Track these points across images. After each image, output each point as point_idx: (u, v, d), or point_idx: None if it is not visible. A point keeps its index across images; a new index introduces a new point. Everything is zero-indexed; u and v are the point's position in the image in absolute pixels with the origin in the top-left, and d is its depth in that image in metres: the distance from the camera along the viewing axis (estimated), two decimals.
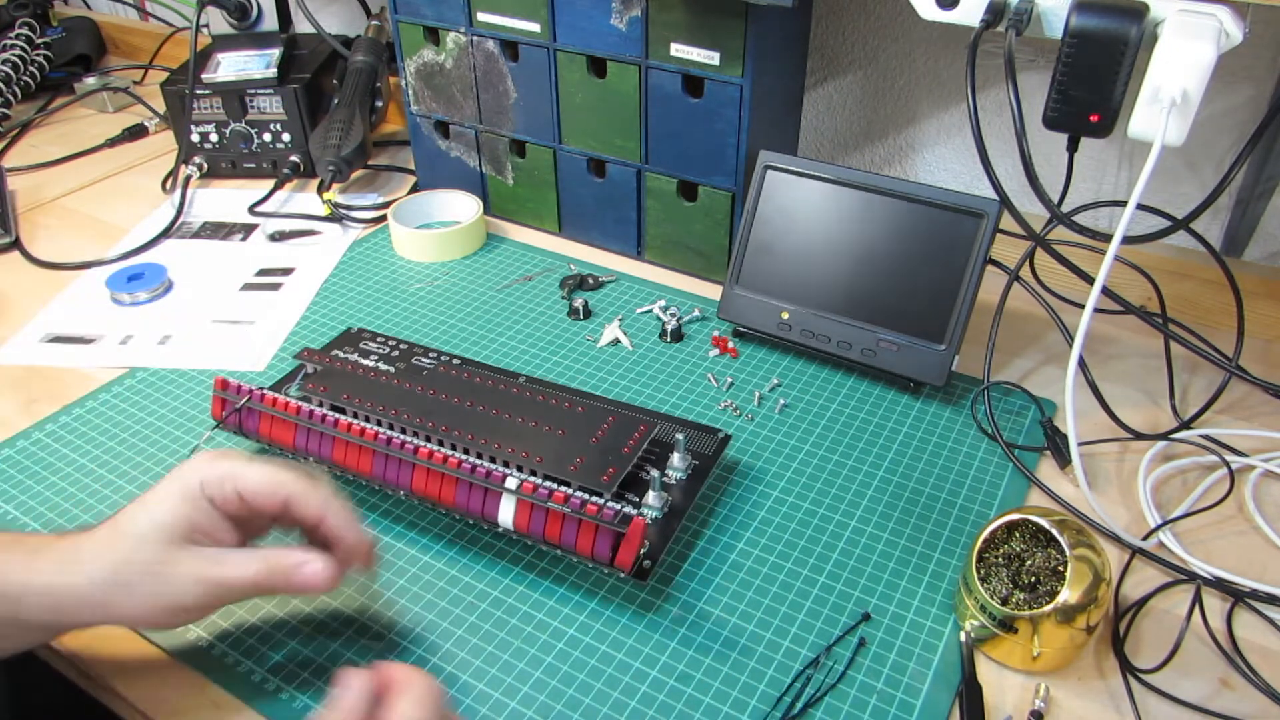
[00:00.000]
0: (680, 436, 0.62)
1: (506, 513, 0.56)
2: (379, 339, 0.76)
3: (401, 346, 0.75)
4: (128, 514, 0.48)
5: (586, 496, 0.54)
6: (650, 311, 0.85)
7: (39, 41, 1.30)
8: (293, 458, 0.64)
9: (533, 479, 0.56)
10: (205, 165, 1.07)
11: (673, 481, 0.61)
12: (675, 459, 0.62)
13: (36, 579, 0.46)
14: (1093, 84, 0.60)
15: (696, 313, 0.84)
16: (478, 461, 0.57)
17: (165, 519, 0.46)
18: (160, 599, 0.46)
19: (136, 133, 1.20)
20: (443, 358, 0.73)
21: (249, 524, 0.51)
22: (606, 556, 0.53)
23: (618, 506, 0.54)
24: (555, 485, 0.55)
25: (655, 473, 0.59)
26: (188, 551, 0.46)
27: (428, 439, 0.61)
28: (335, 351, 0.74)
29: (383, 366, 0.71)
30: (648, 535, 0.56)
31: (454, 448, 0.60)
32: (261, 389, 0.64)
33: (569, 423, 0.63)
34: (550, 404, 0.65)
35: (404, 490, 0.59)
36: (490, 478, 0.56)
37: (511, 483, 0.55)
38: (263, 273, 0.91)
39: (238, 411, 0.64)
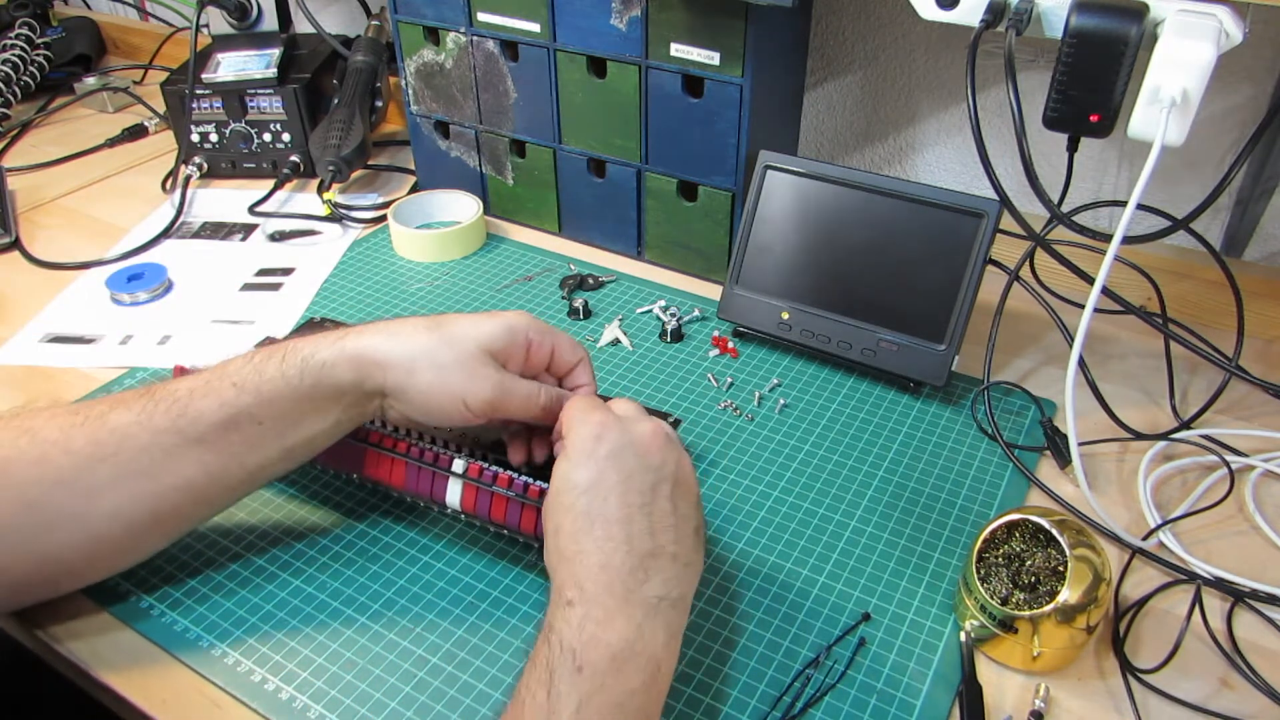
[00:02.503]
0: None
1: (454, 494, 0.57)
2: (341, 328, 0.76)
3: None
4: (451, 319, 0.54)
5: (531, 480, 0.55)
6: (650, 311, 0.85)
7: (39, 41, 1.29)
8: None
9: (481, 462, 0.57)
10: (205, 165, 1.07)
11: None
12: None
13: (351, 344, 0.52)
14: (1093, 84, 0.60)
15: (696, 313, 0.84)
16: (426, 445, 0.58)
17: (487, 335, 0.53)
18: (456, 384, 0.52)
19: (136, 133, 1.20)
20: None
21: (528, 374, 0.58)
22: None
23: (543, 484, 0.54)
24: (502, 469, 0.56)
25: None
26: (494, 363, 0.53)
27: (374, 423, 0.61)
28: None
29: None
30: None
31: (402, 431, 0.60)
32: None
33: None
34: None
35: (356, 475, 0.60)
36: (438, 461, 0.57)
37: (458, 465, 0.56)
38: (263, 273, 0.91)
39: None
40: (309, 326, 0.78)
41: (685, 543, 0.48)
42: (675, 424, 0.66)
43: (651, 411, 0.66)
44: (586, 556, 0.45)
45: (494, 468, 0.56)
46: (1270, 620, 0.56)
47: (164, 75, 1.22)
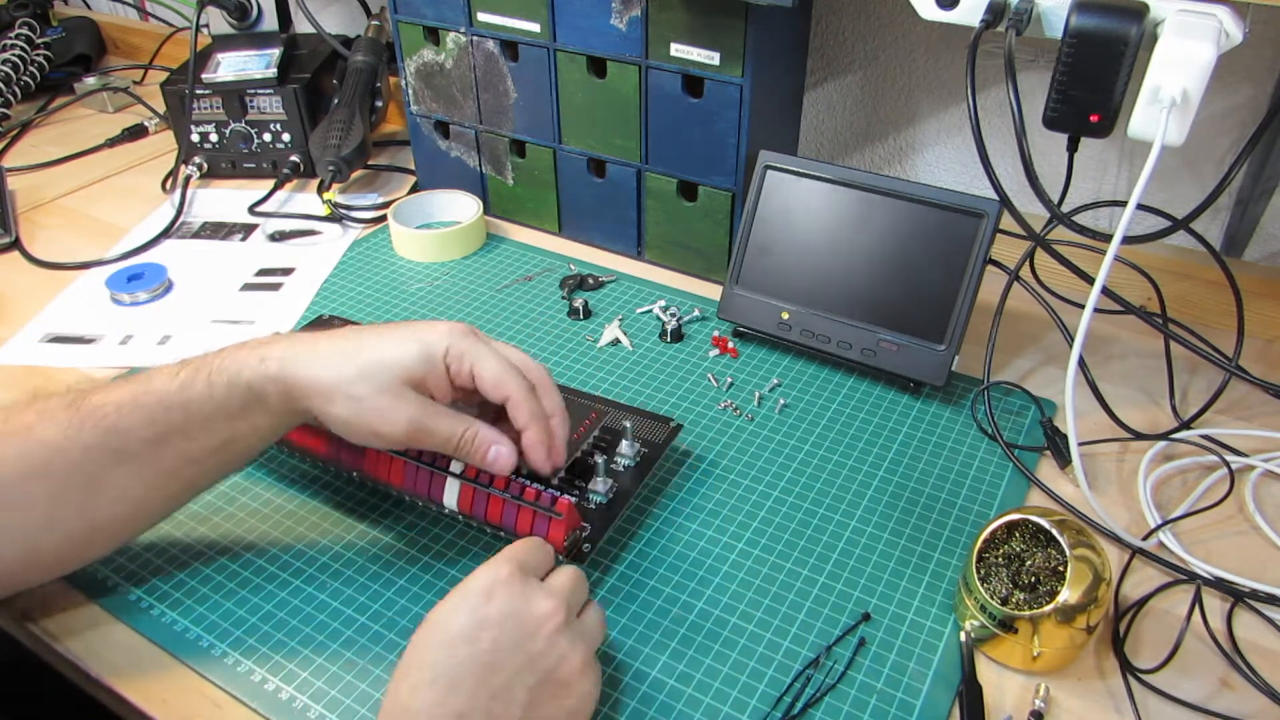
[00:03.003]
0: (627, 424, 0.63)
1: (451, 495, 0.57)
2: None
3: None
4: (371, 343, 0.51)
5: (528, 482, 0.55)
6: (650, 311, 0.85)
7: (39, 41, 1.29)
8: None
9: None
10: (205, 165, 1.07)
11: (620, 468, 0.62)
12: (623, 446, 0.63)
13: (274, 367, 0.50)
14: (1093, 84, 0.60)
15: (696, 313, 0.84)
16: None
17: (404, 364, 0.50)
18: (371, 417, 0.50)
19: (136, 133, 1.20)
20: None
21: (467, 395, 0.55)
22: (543, 537, 0.55)
23: (554, 491, 0.55)
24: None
25: (601, 459, 0.60)
26: (412, 394, 0.51)
27: None
28: None
29: None
30: (587, 518, 0.58)
31: None
32: None
33: None
34: None
35: (357, 471, 0.60)
36: (436, 461, 0.57)
37: (456, 466, 0.57)
38: (263, 273, 0.91)
39: None
40: (317, 324, 0.78)
41: None
42: (676, 429, 0.66)
43: (653, 417, 0.67)
44: (410, 716, 0.42)
45: None
46: (1270, 620, 0.56)
47: (164, 75, 1.22)
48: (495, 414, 0.55)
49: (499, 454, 0.53)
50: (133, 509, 0.53)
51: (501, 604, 0.45)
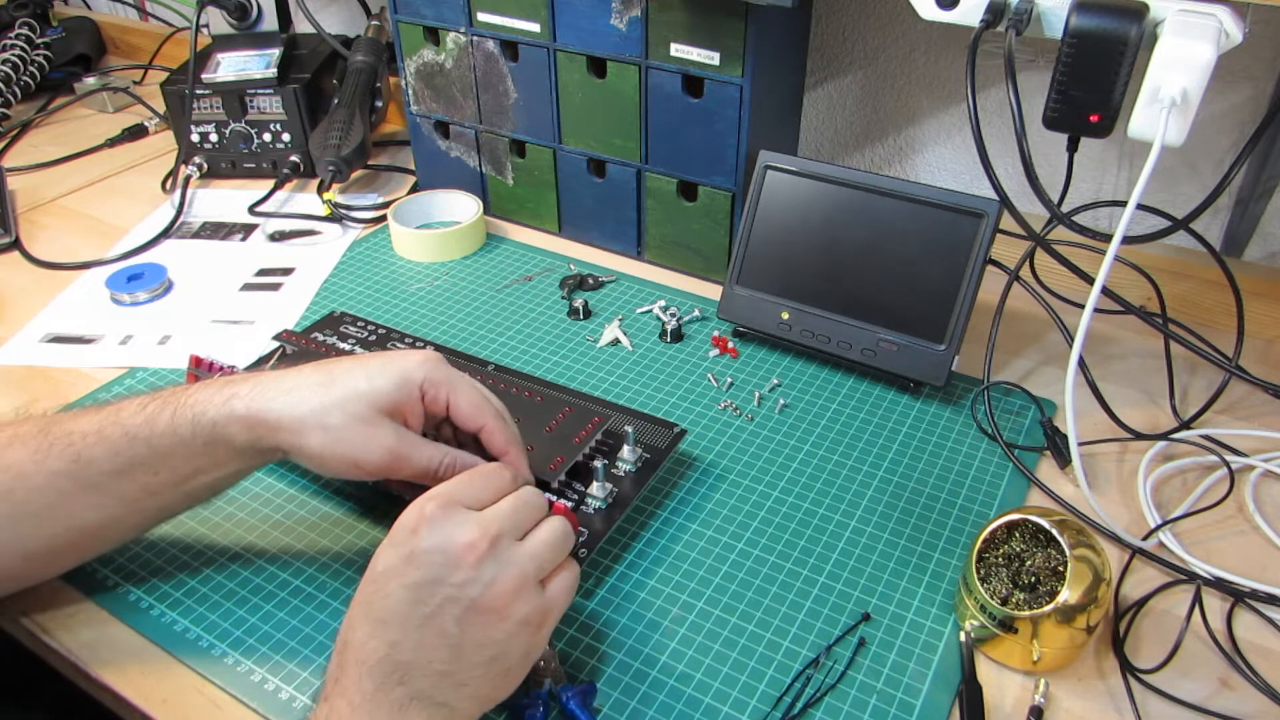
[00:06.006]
0: (629, 429, 0.63)
1: None
2: (359, 323, 0.77)
3: (379, 331, 0.76)
4: (345, 373, 0.51)
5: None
6: (650, 311, 0.85)
7: (39, 41, 1.29)
8: None
9: None
10: (205, 165, 1.07)
11: (621, 473, 0.62)
12: (625, 451, 0.63)
13: (241, 405, 0.50)
14: (1093, 84, 0.60)
15: (696, 313, 0.84)
16: None
17: (380, 392, 0.50)
18: (347, 447, 0.50)
19: (136, 133, 1.20)
20: (416, 343, 0.75)
21: (437, 427, 0.56)
22: None
23: (551, 496, 0.54)
24: None
25: (600, 463, 0.60)
26: (388, 423, 0.50)
27: None
28: (315, 334, 0.76)
29: (358, 350, 0.73)
30: (585, 522, 0.57)
31: None
32: (234, 368, 0.65)
33: (525, 411, 0.63)
34: (510, 392, 0.66)
35: None
36: None
37: None
38: (263, 273, 0.91)
39: None
40: (329, 320, 0.78)
41: (464, 664, 0.44)
42: (680, 435, 0.65)
43: (656, 421, 0.66)
44: (349, 650, 0.43)
45: None
46: (1270, 620, 0.56)
47: (164, 75, 1.22)
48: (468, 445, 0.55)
49: None
50: (90, 535, 0.53)
51: (426, 537, 0.44)
